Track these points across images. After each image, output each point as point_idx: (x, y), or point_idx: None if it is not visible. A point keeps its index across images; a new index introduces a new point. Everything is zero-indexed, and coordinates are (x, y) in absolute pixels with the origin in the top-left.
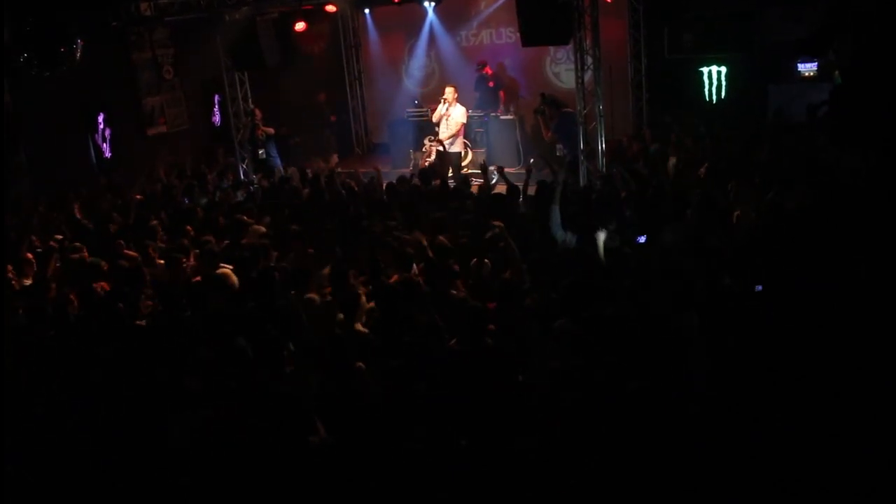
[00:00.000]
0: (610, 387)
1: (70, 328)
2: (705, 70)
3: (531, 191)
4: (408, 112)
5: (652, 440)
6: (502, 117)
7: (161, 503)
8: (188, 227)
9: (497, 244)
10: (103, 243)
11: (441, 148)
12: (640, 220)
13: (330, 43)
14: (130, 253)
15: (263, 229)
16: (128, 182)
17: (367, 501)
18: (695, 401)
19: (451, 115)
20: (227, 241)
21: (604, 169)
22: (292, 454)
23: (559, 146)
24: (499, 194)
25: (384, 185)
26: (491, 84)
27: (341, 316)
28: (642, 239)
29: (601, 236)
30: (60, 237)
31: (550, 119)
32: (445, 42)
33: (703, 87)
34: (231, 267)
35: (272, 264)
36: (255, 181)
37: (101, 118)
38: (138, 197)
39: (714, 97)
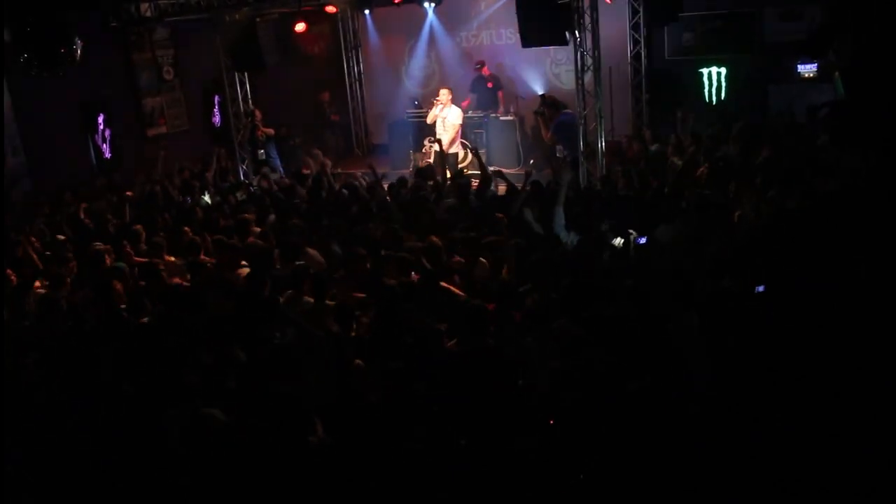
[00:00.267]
0: (610, 387)
1: (83, 328)
2: (705, 71)
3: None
4: (408, 113)
5: (652, 440)
6: (502, 118)
7: (161, 503)
8: (186, 228)
9: (496, 244)
10: (104, 243)
11: (438, 148)
12: (640, 221)
13: (330, 44)
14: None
15: (258, 229)
16: (128, 182)
17: (366, 501)
18: (695, 401)
19: (447, 118)
20: (226, 240)
21: (604, 169)
22: (292, 454)
23: (559, 147)
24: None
25: (384, 186)
26: (489, 85)
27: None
28: (643, 240)
29: (618, 241)
30: (62, 237)
31: (550, 120)
32: (445, 43)
33: (703, 87)
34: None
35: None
36: (255, 182)
37: (101, 119)
38: (128, 193)
39: (714, 98)
